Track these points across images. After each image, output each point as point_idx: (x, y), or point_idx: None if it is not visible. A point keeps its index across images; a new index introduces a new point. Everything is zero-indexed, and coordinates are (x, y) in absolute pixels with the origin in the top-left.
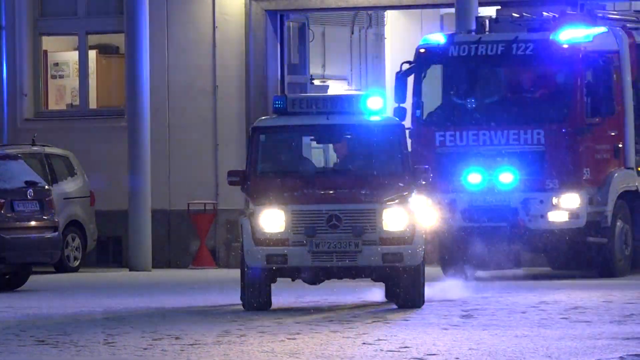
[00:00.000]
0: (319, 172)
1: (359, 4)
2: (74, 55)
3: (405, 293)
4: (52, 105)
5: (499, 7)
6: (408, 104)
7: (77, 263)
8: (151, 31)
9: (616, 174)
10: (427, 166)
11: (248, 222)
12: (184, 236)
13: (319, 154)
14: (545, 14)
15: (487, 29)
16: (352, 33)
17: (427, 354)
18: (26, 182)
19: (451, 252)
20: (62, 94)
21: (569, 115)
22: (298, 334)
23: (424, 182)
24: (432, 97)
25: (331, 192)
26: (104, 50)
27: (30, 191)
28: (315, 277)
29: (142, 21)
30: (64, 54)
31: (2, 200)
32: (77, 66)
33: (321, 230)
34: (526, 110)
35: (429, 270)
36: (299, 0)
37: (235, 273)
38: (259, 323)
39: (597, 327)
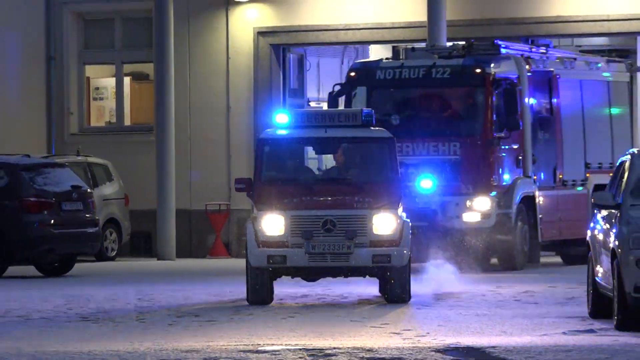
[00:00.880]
0: (316, 180)
1: (347, 39)
2: (111, 81)
3: (393, 290)
4: (94, 122)
5: (464, 42)
6: None
7: (113, 253)
8: (176, 61)
9: (518, 181)
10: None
11: (252, 225)
12: (202, 231)
13: (314, 163)
14: (454, 44)
15: (402, 56)
16: (342, 63)
17: (404, 329)
18: (72, 186)
19: None
20: (101, 113)
21: (480, 130)
22: (297, 314)
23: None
24: None
25: (326, 199)
26: (137, 77)
27: (75, 194)
28: (312, 275)
29: (168, 53)
30: (103, 80)
31: (52, 201)
32: (114, 90)
33: (317, 234)
34: (443, 126)
35: None
36: (298, 36)
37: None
38: (264, 306)
39: (544, 308)
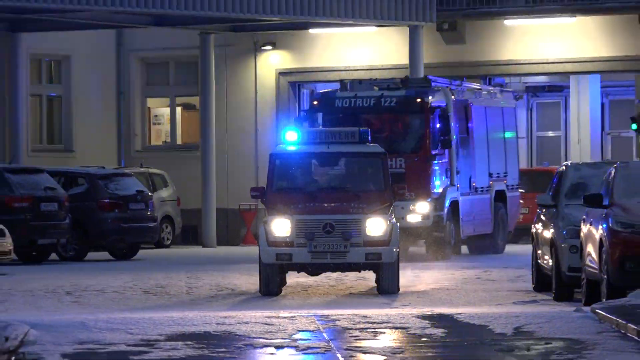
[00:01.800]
0: (318, 189)
1: (349, 77)
2: (167, 110)
3: (384, 283)
4: (153, 142)
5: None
6: None
7: (168, 242)
8: (216, 95)
9: (447, 189)
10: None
11: (263, 228)
12: (236, 225)
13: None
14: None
15: (348, 88)
16: None
17: (391, 301)
18: (137, 191)
19: None
20: (159, 134)
21: (420, 148)
22: (309, 287)
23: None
24: None
25: (327, 205)
26: (186, 107)
27: (139, 196)
28: (314, 271)
29: (210, 88)
30: (160, 109)
31: (121, 202)
32: (169, 117)
33: (318, 235)
34: (391, 144)
35: None
36: (309, 75)
37: None
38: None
39: (499, 284)
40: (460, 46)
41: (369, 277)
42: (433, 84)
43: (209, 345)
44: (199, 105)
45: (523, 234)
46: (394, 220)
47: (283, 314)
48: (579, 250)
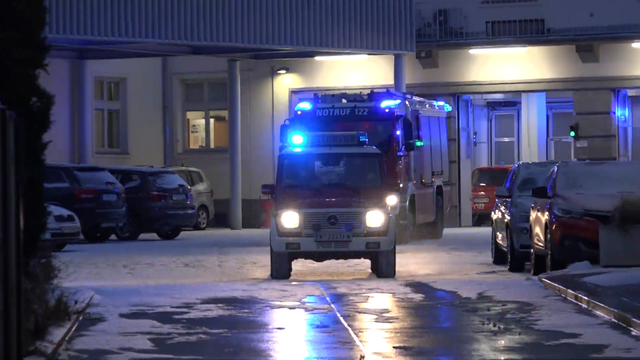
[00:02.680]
0: (322, 185)
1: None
2: (202, 121)
3: (382, 269)
4: (192, 146)
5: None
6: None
7: (204, 226)
8: (241, 108)
9: (409, 184)
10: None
11: (274, 220)
12: (257, 212)
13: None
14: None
15: (320, 99)
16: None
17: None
18: (178, 185)
19: None
20: (196, 140)
21: (389, 150)
22: (313, 264)
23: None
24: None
25: (331, 199)
26: (217, 119)
27: (180, 189)
28: (320, 258)
29: (236, 104)
30: (197, 120)
31: (166, 194)
32: (204, 127)
33: (324, 226)
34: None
35: None
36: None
37: None
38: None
39: (465, 258)
40: (434, 70)
41: (366, 264)
42: (394, 97)
43: (236, 307)
44: (228, 117)
45: (484, 219)
46: (390, 213)
47: (294, 283)
48: (529, 231)
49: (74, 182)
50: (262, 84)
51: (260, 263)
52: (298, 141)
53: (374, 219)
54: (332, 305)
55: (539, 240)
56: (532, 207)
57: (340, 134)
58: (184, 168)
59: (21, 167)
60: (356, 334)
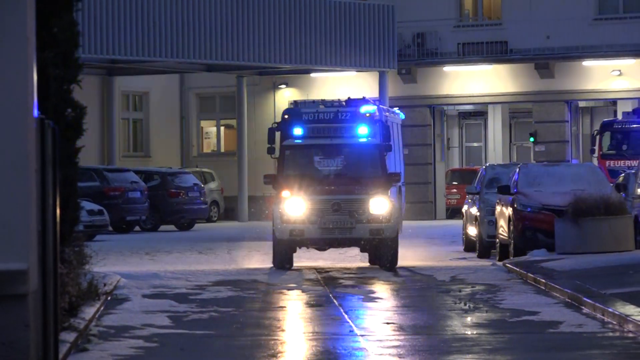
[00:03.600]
0: (325, 175)
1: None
2: (214, 129)
3: (385, 257)
4: (205, 150)
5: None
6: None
7: (215, 219)
8: (247, 118)
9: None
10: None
11: (277, 208)
12: (262, 207)
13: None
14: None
15: (299, 105)
16: None
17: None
18: (193, 184)
19: None
20: (209, 145)
21: None
22: (315, 254)
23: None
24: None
25: (335, 187)
26: (227, 127)
27: (195, 187)
28: (324, 245)
29: (243, 114)
30: (209, 128)
31: (183, 192)
32: (215, 133)
33: (327, 213)
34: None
35: None
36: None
37: None
38: (297, 251)
39: (442, 247)
40: (413, 85)
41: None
42: (369, 103)
43: (243, 289)
44: (236, 125)
45: (456, 213)
46: (395, 200)
47: (293, 268)
48: (495, 223)
49: (104, 181)
50: (266, 97)
51: (264, 251)
52: (298, 132)
53: (378, 206)
54: (326, 287)
55: (503, 231)
56: (497, 203)
57: (339, 126)
58: (198, 169)
59: (57, 169)
60: (345, 312)
